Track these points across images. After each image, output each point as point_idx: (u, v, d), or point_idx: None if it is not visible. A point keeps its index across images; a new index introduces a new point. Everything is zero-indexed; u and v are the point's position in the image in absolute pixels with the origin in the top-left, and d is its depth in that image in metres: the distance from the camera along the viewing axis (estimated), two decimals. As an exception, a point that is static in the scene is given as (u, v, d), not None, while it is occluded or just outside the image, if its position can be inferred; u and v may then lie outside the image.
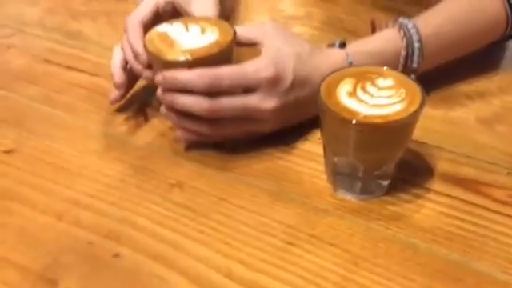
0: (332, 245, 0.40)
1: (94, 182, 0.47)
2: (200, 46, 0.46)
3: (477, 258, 0.39)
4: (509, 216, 0.42)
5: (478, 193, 0.44)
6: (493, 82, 0.57)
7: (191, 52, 0.45)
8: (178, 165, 0.48)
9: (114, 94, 0.53)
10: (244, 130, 0.47)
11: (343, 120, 0.38)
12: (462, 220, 0.42)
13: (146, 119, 0.54)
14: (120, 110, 0.55)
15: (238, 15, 0.71)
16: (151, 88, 0.57)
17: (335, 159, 0.43)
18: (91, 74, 0.61)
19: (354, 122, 0.38)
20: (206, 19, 0.50)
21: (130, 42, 0.50)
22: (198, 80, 0.44)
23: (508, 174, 0.46)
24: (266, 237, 0.41)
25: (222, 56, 0.46)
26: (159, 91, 0.46)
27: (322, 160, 0.46)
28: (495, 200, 0.44)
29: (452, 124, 0.52)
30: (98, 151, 0.50)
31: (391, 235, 0.41)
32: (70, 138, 0.52)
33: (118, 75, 0.52)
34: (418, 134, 0.49)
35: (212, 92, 0.44)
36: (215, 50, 0.45)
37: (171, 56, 0.46)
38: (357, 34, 0.65)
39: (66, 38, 0.67)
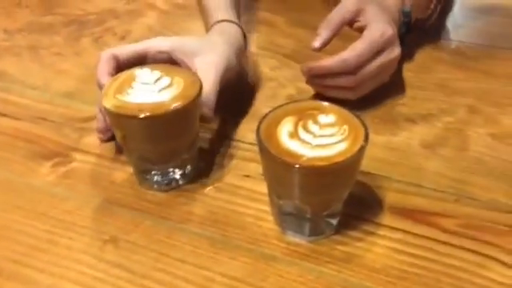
0: (283, 297, 0.38)
1: (19, 245, 0.42)
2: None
3: (432, 296, 0.38)
4: (458, 247, 0.41)
5: (428, 224, 0.43)
6: (433, 102, 0.57)
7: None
8: (112, 216, 0.44)
9: (100, 136, 0.51)
10: (381, 80, 0.55)
11: (285, 164, 0.36)
12: (414, 256, 0.41)
13: (75, 165, 0.50)
14: (45, 157, 0.50)
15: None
16: (82, 129, 0.53)
17: (280, 202, 0.41)
18: (14, 118, 0.56)
19: (296, 166, 0.35)
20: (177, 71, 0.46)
21: (96, 75, 0.47)
22: (344, 65, 0.51)
23: (455, 201, 0.45)
24: (211, 294, 0.38)
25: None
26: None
27: (266, 199, 0.43)
28: (445, 231, 0.42)
29: (396, 151, 0.51)
30: (23, 207, 0.46)
31: (344, 280, 0.39)
32: (-10, 193, 0.47)
33: (100, 121, 0.50)
34: (363, 163, 0.47)
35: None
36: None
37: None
38: (295, 59, 0.65)
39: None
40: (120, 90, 0.43)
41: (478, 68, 0.62)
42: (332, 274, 0.39)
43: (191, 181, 0.47)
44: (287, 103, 0.41)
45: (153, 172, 0.46)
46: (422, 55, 0.65)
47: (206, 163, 0.49)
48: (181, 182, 0.47)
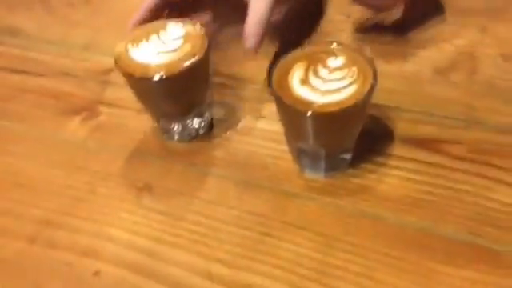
0: (304, 229, 0.42)
1: (63, 198, 0.47)
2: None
3: (444, 221, 0.41)
4: (468, 172, 0.44)
5: (439, 152, 0.45)
6: (443, 24, 0.57)
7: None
8: (143, 165, 0.48)
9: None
10: None
11: (298, 112, 0.38)
12: (426, 183, 0.43)
13: (103, 119, 0.53)
14: (74, 112, 0.54)
15: None
16: (104, 82, 0.56)
17: (297, 143, 0.43)
18: (38, 75, 0.58)
19: (309, 113, 0.38)
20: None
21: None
22: None
23: (465, 127, 0.47)
24: (240, 231, 0.42)
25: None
26: None
27: (283, 138, 0.46)
28: (455, 157, 0.45)
29: (407, 79, 0.52)
30: (61, 162, 0.50)
31: (360, 210, 0.43)
32: (30, 151, 0.51)
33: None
34: (375, 95, 0.49)
35: None
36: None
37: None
38: None
39: (5, 36, 0.64)
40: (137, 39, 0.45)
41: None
42: (348, 205, 0.43)
43: (210, 127, 0.50)
44: (296, 50, 0.42)
45: (172, 125, 0.49)
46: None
47: (221, 108, 0.51)
48: (201, 132, 0.49)
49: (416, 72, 0.53)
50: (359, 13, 0.59)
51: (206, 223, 0.43)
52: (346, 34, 0.57)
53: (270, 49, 0.54)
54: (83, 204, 0.46)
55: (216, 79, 0.53)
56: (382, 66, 0.52)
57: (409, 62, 0.54)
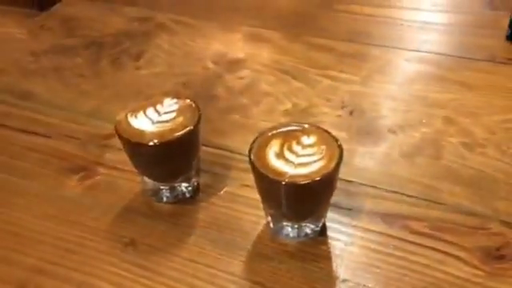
0: (273, 290, 0.46)
1: (54, 248, 0.50)
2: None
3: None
4: (424, 246, 0.48)
5: (401, 227, 0.50)
6: (413, 113, 0.64)
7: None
8: (131, 222, 0.52)
9: None
10: None
11: (271, 181, 0.43)
12: (386, 254, 0.48)
13: (99, 178, 0.58)
14: (73, 171, 0.59)
15: (179, 62, 0.76)
16: (104, 146, 0.61)
17: (271, 210, 0.48)
18: (45, 136, 0.64)
19: (283, 183, 0.43)
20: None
21: None
22: None
23: (426, 206, 0.52)
24: (214, 288, 0.46)
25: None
26: None
27: (262, 206, 0.51)
28: (414, 232, 0.49)
29: (377, 160, 0.58)
30: (56, 215, 0.54)
31: (325, 274, 0.46)
32: (29, 204, 0.55)
33: None
34: (347, 172, 0.55)
35: None
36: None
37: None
38: (292, 74, 0.72)
39: (18, 100, 0.71)
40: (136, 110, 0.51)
41: (456, 80, 0.69)
42: (315, 270, 0.47)
43: (196, 191, 0.55)
44: (275, 126, 0.48)
45: (161, 188, 0.54)
46: (405, 69, 0.72)
47: (209, 175, 0.57)
48: (188, 196, 0.54)
49: (385, 154, 0.59)
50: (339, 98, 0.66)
51: (184, 280, 0.47)
52: (326, 117, 0.64)
53: (260, 125, 0.61)
54: (72, 255, 0.50)
55: (206, 149, 0.59)
56: (356, 147, 0.59)
57: (380, 146, 0.60)
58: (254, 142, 0.47)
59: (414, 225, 0.50)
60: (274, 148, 0.46)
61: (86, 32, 0.85)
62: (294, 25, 0.84)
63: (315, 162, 0.44)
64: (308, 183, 0.43)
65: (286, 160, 0.45)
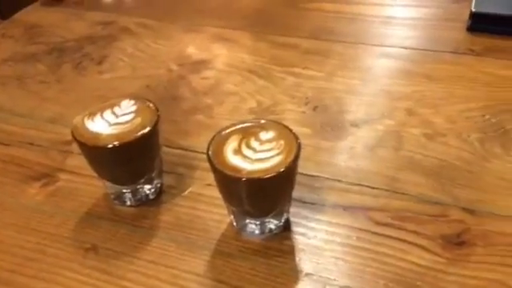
0: (237, 287, 0.45)
1: (13, 257, 0.49)
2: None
3: (362, 279, 0.45)
4: (387, 236, 0.48)
5: (365, 218, 0.50)
6: (376, 107, 0.64)
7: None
8: (92, 228, 0.51)
9: None
10: None
11: (229, 177, 0.43)
12: (350, 246, 0.48)
13: (60, 185, 0.57)
14: (34, 178, 0.58)
15: (143, 65, 0.75)
16: (65, 152, 0.60)
17: (232, 208, 0.48)
18: (4, 144, 0.63)
19: (242, 179, 0.42)
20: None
21: None
22: None
23: (388, 196, 0.52)
24: (177, 288, 0.45)
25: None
26: None
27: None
28: (378, 223, 0.49)
29: (340, 154, 0.58)
30: (16, 224, 0.53)
31: (289, 269, 0.46)
32: (-13, 213, 0.54)
33: None
34: (311, 166, 0.55)
35: None
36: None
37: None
38: (257, 73, 0.72)
39: (-23, 109, 0.69)
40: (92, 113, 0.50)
41: (419, 72, 0.70)
42: (279, 265, 0.47)
43: (160, 193, 0.54)
44: (233, 123, 0.48)
45: (123, 191, 0.53)
46: (369, 64, 0.73)
47: (172, 176, 0.56)
48: (151, 197, 0.54)
49: (349, 148, 0.59)
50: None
51: (145, 282, 0.46)
52: (291, 113, 0.64)
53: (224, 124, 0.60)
54: (32, 263, 0.49)
55: (170, 150, 0.59)
56: (320, 142, 0.59)
57: (343, 139, 0.60)
58: (212, 139, 0.47)
59: (377, 216, 0.50)
60: (232, 145, 0.46)
61: (48, 38, 0.83)
62: (259, 24, 0.84)
63: (273, 157, 0.44)
64: (265, 178, 0.43)
65: (244, 156, 0.44)
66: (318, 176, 0.55)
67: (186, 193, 0.54)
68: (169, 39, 0.81)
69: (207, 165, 0.57)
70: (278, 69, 0.73)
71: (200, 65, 0.75)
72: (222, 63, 0.75)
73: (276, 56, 0.76)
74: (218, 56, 0.77)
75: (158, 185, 0.55)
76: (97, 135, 0.48)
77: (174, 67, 0.75)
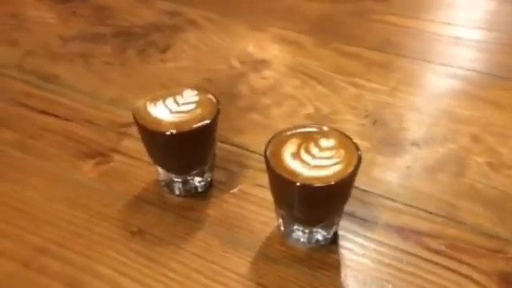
0: (278, 293, 0.44)
1: (62, 230, 0.50)
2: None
3: (408, 305, 0.43)
4: (440, 265, 0.46)
5: (416, 242, 0.48)
6: (438, 128, 0.62)
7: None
8: (141, 212, 0.52)
9: None
10: None
11: (285, 181, 0.42)
12: (399, 269, 0.46)
13: (114, 165, 0.57)
14: (89, 156, 0.59)
15: (205, 58, 0.75)
16: (122, 134, 0.61)
17: (282, 211, 0.47)
18: (65, 120, 0.64)
19: (297, 184, 0.42)
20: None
21: None
22: None
23: (443, 223, 0.50)
24: (216, 285, 0.45)
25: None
26: None
27: (273, 207, 0.50)
28: (430, 249, 0.47)
29: (396, 172, 0.56)
30: (67, 198, 0.54)
31: (332, 284, 0.45)
32: (40, 184, 0.55)
33: None
34: (364, 181, 0.53)
35: None
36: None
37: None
38: (317, 79, 0.71)
39: (43, 82, 0.71)
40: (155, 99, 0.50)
41: (485, 97, 0.67)
42: (323, 278, 0.45)
43: (209, 187, 0.54)
44: (294, 126, 0.47)
45: (174, 179, 0.53)
46: (433, 82, 0.70)
47: (223, 171, 0.56)
48: (200, 190, 0.53)
49: (406, 167, 0.57)
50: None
51: (186, 273, 0.46)
52: (349, 124, 0.63)
53: (279, 126, 0.60)
54: (79, 239, 0.49)
55: (223, 146, 0.58)
56: (375, 157, 0.58)
57: (400, 157, 0.58)
58: (270, 140, 0.46)
59: (430, 242, 0.48)
60: (290, 148, 0.45)
61: (116, 22, 0.85)
62: (325, 30, 0.82)
63: (331, 165, 0.43)
64: (322, 186, 0.42)
65: (302, 161, 0.43)
66: (371, 192, 0.53)
67: (236, 190, 0.54)
68: (232, 35, 0.81)
69: (259, 165, 0.56)
70: (339, 77, 0.71)
71: (261, 64, 0.75)
72: (283, 65, 0.74)
73: (338, 64, 0.74)
74: (279, 57, 0.76)
75: (209, 179, 0.54)
76: (158, 120, 0.48)
77: (236, 64, 0.74)
